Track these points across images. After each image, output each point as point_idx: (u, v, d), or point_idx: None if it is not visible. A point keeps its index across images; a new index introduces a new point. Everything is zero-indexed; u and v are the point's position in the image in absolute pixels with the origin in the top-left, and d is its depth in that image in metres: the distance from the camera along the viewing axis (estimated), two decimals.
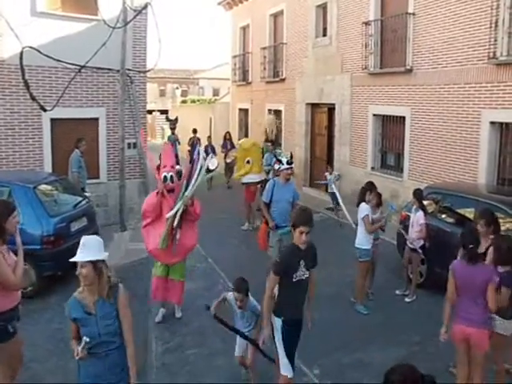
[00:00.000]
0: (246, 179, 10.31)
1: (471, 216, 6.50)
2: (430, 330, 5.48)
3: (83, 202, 7.76)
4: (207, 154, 14.28)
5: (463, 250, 4.01)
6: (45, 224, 6.57)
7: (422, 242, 6.53)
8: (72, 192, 8.03)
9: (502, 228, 6.10)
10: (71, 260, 2.98)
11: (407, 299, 6.66)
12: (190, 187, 5.29)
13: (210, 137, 16.44)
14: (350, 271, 6.91)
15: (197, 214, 5.50)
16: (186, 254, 5.71)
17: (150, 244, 5.46)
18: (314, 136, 14.52)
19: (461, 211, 6.87)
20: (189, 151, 15.18)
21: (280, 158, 7.02)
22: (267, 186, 6.72)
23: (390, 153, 11.41)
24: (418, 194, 6.69)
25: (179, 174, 5.55)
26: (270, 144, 11.86)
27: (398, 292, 6.83)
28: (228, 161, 14.73)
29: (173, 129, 15.70)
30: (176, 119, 16.17)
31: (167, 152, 5.64)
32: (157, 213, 5.36)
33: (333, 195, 9.93)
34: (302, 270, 3.82)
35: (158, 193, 5.34)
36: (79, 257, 2.95)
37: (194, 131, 16.22)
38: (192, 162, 5.46)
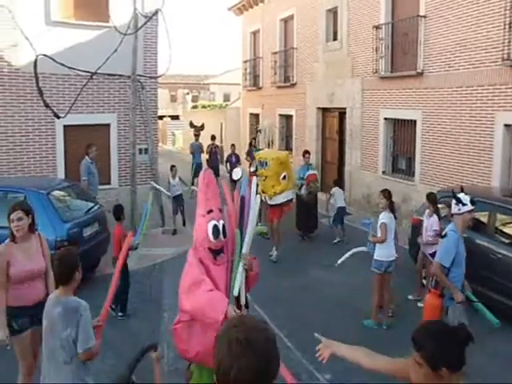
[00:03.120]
0: (282, 198, 8.62)
1: (485, 220, 6.42)
2: None
3: (95, 208, 7.82)
4: (231, 164, 14.02)
5: None
6: (58, 229, 6.60)
7: (434, 249, 6.41)
8: (84, 198, 8.11)
9: None
10: None
11: (420, 304, 6.57)
12: (246, 239, 3.48)
13: (233, 145, 14.67)
14: (359, 279, 6.85)
15: (256, 280, 3.65)
16: None
17: (195, 345, 3.33)
18: (324, 140, 14.49)
19: (475, 215, 6.77)
20: (207, 160, 14.99)
21: (459, 195, 4.64)
22: (448, 240, 4.43)
23: (402, 157, 11.32)
24: (432, 199, 6.57)
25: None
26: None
27: (410, 297, 6.75)
28: (252, 170, 13.61)
29: (197, 135, 15.12)
30: (202, 126, 15.21)
31: (211, 183, 3.50)
32: None
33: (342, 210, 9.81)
34: None
35: (201, 261, 3.37)
36: None
37: (213, 138, 15.09)
38: (242, 199, 3.60)
